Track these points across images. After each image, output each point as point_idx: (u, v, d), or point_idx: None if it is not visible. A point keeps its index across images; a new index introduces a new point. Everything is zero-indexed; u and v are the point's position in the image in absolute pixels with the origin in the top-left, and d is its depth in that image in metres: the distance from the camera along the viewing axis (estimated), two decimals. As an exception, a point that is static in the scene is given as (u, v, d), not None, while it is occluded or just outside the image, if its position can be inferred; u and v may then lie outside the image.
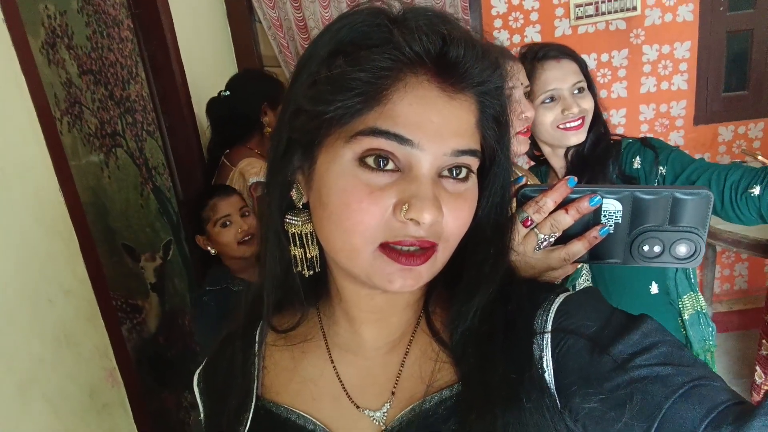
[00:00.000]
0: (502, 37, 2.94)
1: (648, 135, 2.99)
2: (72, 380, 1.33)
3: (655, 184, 1.29)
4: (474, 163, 0.54)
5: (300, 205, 0.58)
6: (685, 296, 1.39)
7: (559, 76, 1.34)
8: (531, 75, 1.35)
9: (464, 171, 0.53)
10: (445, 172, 0.52)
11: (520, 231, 0.66)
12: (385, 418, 0.58)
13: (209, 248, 1.80)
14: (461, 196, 0.53)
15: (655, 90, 2.97)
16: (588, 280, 1.34)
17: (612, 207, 0.63)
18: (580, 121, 1.34)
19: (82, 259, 1.40)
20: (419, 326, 0.62)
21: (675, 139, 3.04)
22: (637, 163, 1.33)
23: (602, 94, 2.97)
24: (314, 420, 0.59)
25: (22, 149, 1.28)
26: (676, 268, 1.37)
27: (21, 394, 1.19)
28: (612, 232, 0.64)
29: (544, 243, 0.66)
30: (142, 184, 2.19)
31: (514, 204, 0.69)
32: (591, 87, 1.39)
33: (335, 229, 0.52)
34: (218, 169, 2.10)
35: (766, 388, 2.18)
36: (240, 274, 1.79)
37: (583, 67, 1.39)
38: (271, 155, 0.58)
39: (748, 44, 2.93)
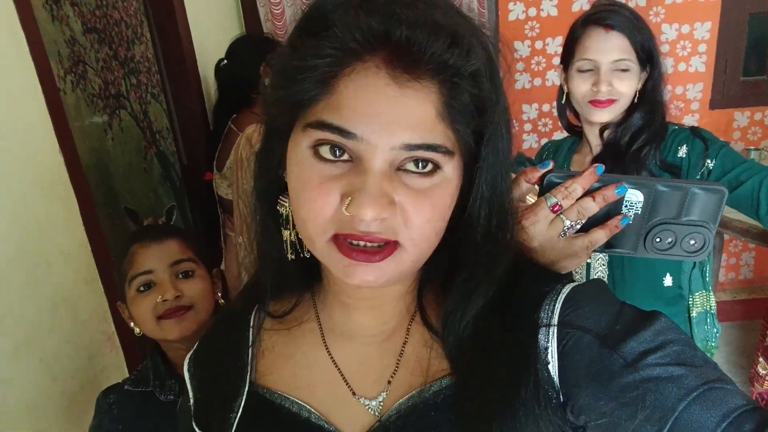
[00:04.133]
0: (518, 9, 2.86)
1: (694, 125, 2.94)
2: (69, 343, 1.33)
3: (697, 178, 1.24)
4: (441, 160, 0.48)
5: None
6: (697, 294, 1.37)
7: (601, 48, 1.25)
8: (577, 37, 1.28)
9: (429, 165, 0.49)
10: (409, 165, 0.48)
11: (547, 217, 0.64)
12: (380, 407, 0.57)
13: (132, 324, 1.12)
14: (423, 192, 0.49)
15: (672, 71, 2.89)
16: (604, 264, 1.32)
17: (633, 197, 0.63)
18: (607, 102, 1.26)
19: (82, 222, 1.38)
20: (417, 315, 0.60)
21: (689, 122, 2.96)
22: (683, 152, 1.26)
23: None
24: (308, 407, 0.58)
25: (20, 108, 1.26)
26: (694, 264, 1.35)
27: (15, 357, 1.18)
28: (631, 222, 0.64)
29: (570, 229, 0.65)
30: (146, 148, 2.16)
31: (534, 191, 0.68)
32: (653, 67, 1.26)
33: (296, 216, 0.52)
34: (225, 135, 2.07)
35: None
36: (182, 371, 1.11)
37: (637, 44, 1.24)
38: (261, 139, 0.58)
39: (771, 27, 2.85)
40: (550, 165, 0.67)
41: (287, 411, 0.58)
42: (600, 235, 0.65)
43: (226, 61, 2.03)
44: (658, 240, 0.64)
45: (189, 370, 0.67)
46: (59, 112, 1.36)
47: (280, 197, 0.57)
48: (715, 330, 1.41)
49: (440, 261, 0.55)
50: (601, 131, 1.35)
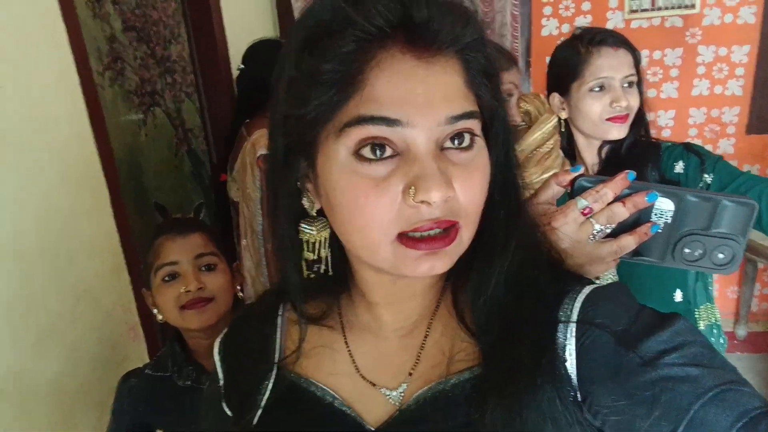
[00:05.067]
0: (551, 25, 2.86)
1: (696, 141, 2.91)
2: (93, 333, 1.35)
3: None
4: (475, 125, 0.50)
5: (314, 212, 0.57)
6: (702, 306, 1.37)
7: (614, 65, 1.27)
8: (582, 60, 1.30)
9: (467, 137, 0.50)
10: (448, 143, 0.49)
11: (577, 219, 0.65)
12: (401, 397, 0.58)
13: (155, 311, 1.16)
14: (470, 164, 0.50)
15: (708, 93, 2.85)
16: (614, 280, 1.31)
17: (663, 206, 0.63)
18: (625, 116, 1.29)
19: (112, 213, 1.40)
20: (439, 308, 0.61)
21: (725, 147, 2.92)
22: (679, 167, 1.28)
23: (651, 93, 2.86)
24: (333, 392, 0.59)
25: (57, 101, 1.29)
26: (697, 278, 1.35)
27: (39, 346, 1.21)
28: (661, 231, 0.64)
29: (598, 234, 0.65)
30: (177, 145, 2.20)
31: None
32: (639, 84, 1.33)
33: (350, 228, 0.51)
34: (237, 140, 2.09)
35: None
36: (203, 359, 1.15)
37: (637, 61, 1.32)
38: (270, 163, 0.57)
39: (813, 53, 2.78)
40: (581, 169, 0.68)
41: (312, 395, 0.59)
42: (629, 241, 0.64)
43: (243, 66, 2.04)
44: (687, 251, 0.63)
45: (219, 354, 0.68)
46: (96, 106, 1.39)
47: (302, 225, 0.57)
48: (722, 341, 1.40)
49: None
50: (600, 149, 1.37)
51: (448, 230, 0.49)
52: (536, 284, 0.56)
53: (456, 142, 0.49)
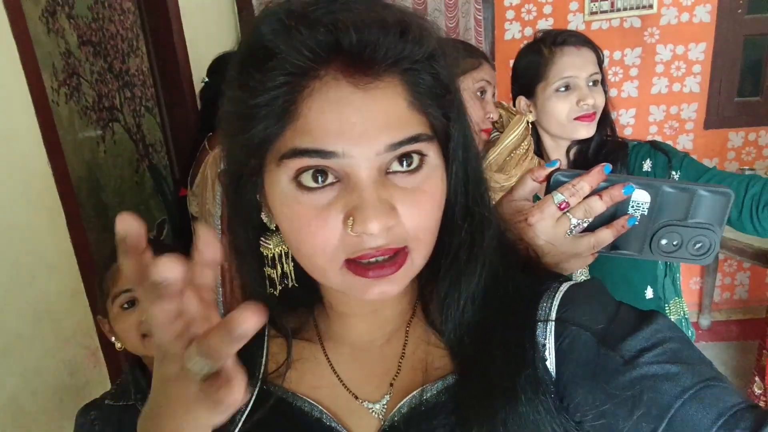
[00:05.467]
0: (513, 29, 2.88)
1: (656, 137, 2.97)
2: (51, 357, 1.30)
3: None
4: (424, 147, 0.48)
5: (273, 227, 0.55)
6: (671, 301, 1.38)
7: (577, 64, 1.27)
8: (546, 61, 1.30)
9: (415, 158, 0.48)
10: (395, 166, 0.47)
11: (554, 214, 0.64)
12: (384, 410, 0.56)
13: (113, 339, 1.11)
14: (417, 188, 0.48)
15: (666, 91, 2.91)
16: (586, 277, 1.32)
17: (640, 197, 0.63)
18: (592, 114, 1.29)
19: (68, 234, 1.36)
20: (415, 316, 0.60)
21: (684, 142, 2.98)
22: (647, 165, 1.28)
23: (612, 92, 2.91)
24: (320, 407, 0.57)
25: (9, 118, 1.25)
26: (665, 273, 1.36)
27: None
28: (637, 223, 0.64)
29: (576, 228, 0.65)
30: (138, 161, 2.16)
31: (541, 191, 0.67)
32: (603, 83, 1.34)
33: (299, 254, 0.51)
34: (199, 153, 2.05)
35: (765, 398, 2.14)
36: None
37: (600, 59, 1.33)
38: (226, 179, 0.56)
39: (765, 49, 2.87)
40: (558, 164, 0.68)
41: (299, 409, 0.57)
42: (606, 235, 0.64)
43: (207, 79, 2.00)
44: (664, 242, 0.63)
45: None
46: (49, 123, 1.35)
47: (262, 239, 0.56)
48: (690, 333, 1.42)
49: (435, 251, 0.54)
50: (567, 151, 1.37)
51: (395, 256, 0.48)
52: (507, 298, 0.55)
53: (404, 163, 0.47)
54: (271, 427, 0.57)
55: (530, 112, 1.37)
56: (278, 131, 0.46)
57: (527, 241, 0.65)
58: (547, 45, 1.31)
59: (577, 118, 1.29)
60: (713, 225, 0.62)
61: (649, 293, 1.34)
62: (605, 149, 1.33)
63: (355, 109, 0.44)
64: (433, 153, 0.49)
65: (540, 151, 1.45)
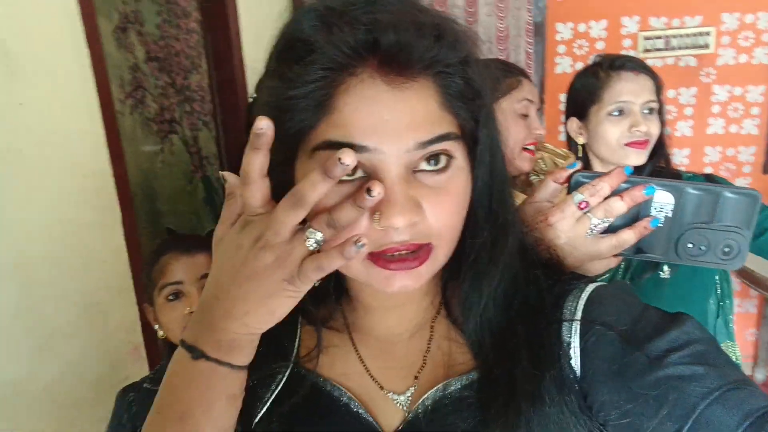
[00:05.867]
0: (564, 64, 2.89)
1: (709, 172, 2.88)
2: (94, 349, 1.35)
3: None
4: (452, 146, 0.49)
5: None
6: (722, 345, 1.30)
7: (633, 90, 1.26)
8: (602, 84, 1.29)
9: (443, 159, 0.49)
10: (423, 165, 0.48)
11: (574, 214, 0.64)
12: (409, 402, 0.57)
13: (157, 327, 1.17)
14: (443, 188, 0.49)
15: (723, 132, 2.85)
16: None
17: (663, 199, 0.62)
18: (644, 142, 1.26)
19: (122, 231, 1.42)
20: (439, 313, 0.61)
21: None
22: None
23: (665, 131, 2.86)
24: (349, 394, 0.58)
25: (78, 122, 1.33)
26: (717, 314, 1.31)
27: (38, 356, 1.21)
28: (661, 225, 0.63)
29: (596, 228, 0.64)
30: (193, 172, 2.24)
31: (564, 192, 0.68)
32: (661, 112, 1.31)
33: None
34: None
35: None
36: None
37: (658, 88, 1.30)
38: None
39: (829, 94, 2.77)
40: (578, 165, 0.68)
41: (328, 393, 0.58)
42: (629, 236, 0.63)
43: (255, 96, 2.06)
44: (690, 245, 0.62)
45: None
46: (114, 130, 1.44)
47: None
48: None
49: (457, 249, 0.55)
50: None
51: (418, 251, 0.49)
52: (530, 299, 0.56)
53: (432, 163, 0.49)
54: (302, 410, 0.58)
55: (581, 134, 1.35)
56: (313, 123, 0.47)
57: (548, 242, 0.65)
58: (605, 68, 1.30)
59: (628, 144, 1.26)
60: (741, 228, 0.60)
61: None
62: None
63: (388, 107, 0.46)
64: (460, 154, 0.51)
65: None
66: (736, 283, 2.68)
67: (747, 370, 2.96)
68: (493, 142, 0.54)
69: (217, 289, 0.48)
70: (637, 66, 1.29)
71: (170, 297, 1.11)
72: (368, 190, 0.42)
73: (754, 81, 2.76)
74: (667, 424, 0.46)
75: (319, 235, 0.44)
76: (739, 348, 2.88)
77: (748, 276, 2.39)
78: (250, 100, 2.08)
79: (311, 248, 0.44)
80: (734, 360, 1.30)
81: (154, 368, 1.49)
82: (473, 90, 0.51)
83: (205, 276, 1.08)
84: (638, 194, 0.62)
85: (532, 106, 1.32)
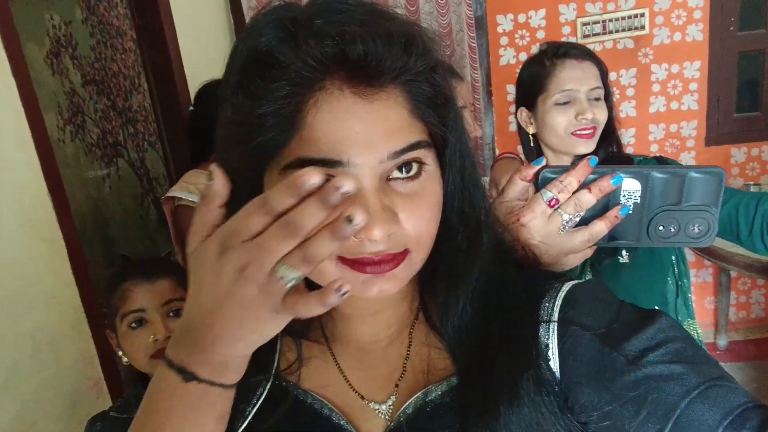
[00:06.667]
0: (508, 55, 2.93)
1: (659, 154, 2.97)
2: (52, 388, 1.30)
3: None
4: (423, 154, 0.49)
5: None
6: (684, 323, 1.34)
7: (578, 77, 1.26)
8: (547, 73, 1.29)
9: (414, 166, 0.49)
10: (395, 173, 0.48)
11: (545, 212, 0.65)
12: (390, 410, 0.57)
13: (120, 353, 1.14)
14: (416, 194, 0.49)
15: (664, 110, 2.93)
16: None
17: (631, 186, 0.63)
18: (591, 130, 1.26)
19: (69, 265, 1.38)
20: (417, 319, 0.61)
21: (686, 159, 2.98)
22: None
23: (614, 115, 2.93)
24: (330, 405, 0.57)
25: (10, 154, 1.28)
26: (676, 294, 1.33)
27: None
28: (631, 211, 0.64)
29: (569, 223, 0.65)
30: (143, 195, 2.19)
31: (532, 189, 0.69)
32: (608, 98, 1.31)
33: None
34: None
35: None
36: None
37: (603, 74, 1.30)
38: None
39: (761, 64, 2.89)
40: (544, 161, 0.68)
41: (309, 406, 0.57)
42: (600, 227, 0.64)
43: (193, 107, 1.98)
44: (661, 228, 0.63)
45: None
46: (49, 158, 1.38)
47: None
48: None
49: (432, 255, 0.54)
50: (572, 165, 1.34)
51: (395, 255, 0.49)
52: (506, 300, 0.56)
53: (404, 170, 0.48)
54: (284, 423, 0.57)
55: (531, 124, 1.36)
56: (283, 141, 0.46)
57: (523, 242, 0.65)
58: (549, 57, 1.30)
59: (574, 133, 1.27)
60: (709, 206, 0.62)
61: None
62: (610, 164, 1.30)
63: (359, 119, 0.45)
64: (431, 160, 0.51)
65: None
66: (691, 254, 2.77)
67: (709, 338, 3.06)
68: (463, 145, 0.55)
69: (202, 315, 0.44)
70: (581, 53, 1.29)
71: (133, 324, 1.10)
72: (349, 220, 0.38)
73: (690, 57, 2.85)
74: (648, 425, 0.46)
75: (296, 274, 0.40)
76: (702, 316, 3.00)
77: (701, 248, 2.47)
78: (192, 108, 2.00)
79: (289, 287, 0.40)
80: (696, 338, 1.34)
81: (114, 403, 1.45)
82: (442, 95, 0.51)
83: (168, 302, 1.11)
84: (606, 185, 0.63)
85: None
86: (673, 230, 0.63)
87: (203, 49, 2.42)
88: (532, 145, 1.39)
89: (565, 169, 0.64)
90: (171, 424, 0.48)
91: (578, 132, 1.27)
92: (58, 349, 1.33)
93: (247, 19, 2.57)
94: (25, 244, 1.29)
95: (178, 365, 0.46)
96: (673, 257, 1.32)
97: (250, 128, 0.47)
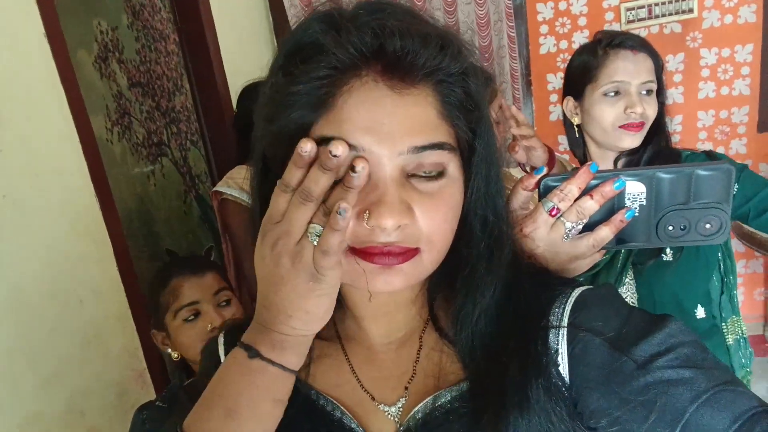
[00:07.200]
0: (548, 43, 2.87)
1: (706, 143, 2.85)
2: (99, 379, 1.38)
3: None
4: (445, 157, 0.50)
5: None
6: (728, 320, 1.30)
7: (630, 69, 1.21)
8: (599, 62, 1.24)
9: (435, 172, 0.50)
10: (418, 173, 0.49)
11: (547, 221, 0.64)
12: (400, 413, 0.58)
13: (169, 350, 1.21)
14: (435, 194, 0.50)
15: (714, 95, 2.81)
16: (633, 302, 1.26)
17: (635, 189, 0.63)
18: (640, 126, 1.22)
19: (115, 263, 1.45)
20: (427, 324, 0.61)
21: (737, 147, 2.85)
22: None
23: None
24: (342, 408, 0.59)
25: (60, 157, 1.36)
26: (721, 290, 1.29)
27: (44, 390, 1.24)
28: (637, 214, 0.63)
29: (572, 231, 0.64)
30: (186, 192, 2.27)
31: (536, 195, 0.68)
32: (660, 93, 1.26)
33: None
34: None
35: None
36: None
37: (658, 68, 1.25)
38: (252, 175, 0.58)
39: (820, 45, 2.73)
40: (545, 170, 0.68)
41: (321, 408, 0.59)
42: (605, 232, 0.64)
43: (236, 110, 2.05)
44: (670, 228, 0.62)
45: (224, 345, 0.67)
46: (96, 160, 1.45)
47: None
48: (749, 352, 1.33)
49: (447, 262, 0.55)
50: (615, 161, 1.30)
51: (405, 251, 0.49)
52: (519, 307, 0.56)
53: (424, 171, 0.50)
54: (296, 424, 0.58)
55: (576, 114, 1.31)
56: (312, 119, 0.48)
57: (528, 252, 0.65)
58: (603, 45, 1.25)
59: (622, 126, 1.22)
60: (720, 203, 0.61)
61: (701, 313, 1.25)
62: (657, 161, 1.24)
63: (386, 111, 0.47)
64: (453, 165, 0.52)
65: (586, 160, 1.36)
66: (740, 245, 2.66)
67: (758, 330, 2.94)
68: (490, 153, 0.55)
69: (262, 298, 0.51)
70: (637, 44, 1.23)
71: (191, 317, 1.17)
72: (352, 168, 0.44)
73: (742, 41, 2.72)
74: (657, 430, 0.46)
75: (318, 228, 0.45)
76: (752, 308, 2.87)
77: (750, 239, 2.37)
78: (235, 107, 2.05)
79: (315, 243, 0.46)
80: (740, 333, 1.29)
81: (158, 392, 1.53)
82: (472, 101, 0.52)
83: (217, 292, 1.20)
84: (608, 190, 0.62)
85: (500, 112, 1.32)
86: (683, 229, 0.62)
87: (243, 51, 2.48)
88: (577, 136, 1.35)
89: (566, 177, 0.64)
90: (231, 398, 0.52)
91: (626, 125, 1.22)
92: (105, 342, 1.41)
93: (290, 14, 2.61)
94: (76, 244, 1.36)
95: (247, 343, 0.51)
96: (719, 254, 1.27)
97: (283, 105, 0.49)
